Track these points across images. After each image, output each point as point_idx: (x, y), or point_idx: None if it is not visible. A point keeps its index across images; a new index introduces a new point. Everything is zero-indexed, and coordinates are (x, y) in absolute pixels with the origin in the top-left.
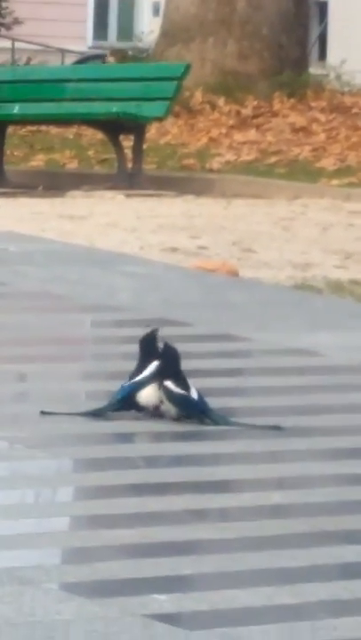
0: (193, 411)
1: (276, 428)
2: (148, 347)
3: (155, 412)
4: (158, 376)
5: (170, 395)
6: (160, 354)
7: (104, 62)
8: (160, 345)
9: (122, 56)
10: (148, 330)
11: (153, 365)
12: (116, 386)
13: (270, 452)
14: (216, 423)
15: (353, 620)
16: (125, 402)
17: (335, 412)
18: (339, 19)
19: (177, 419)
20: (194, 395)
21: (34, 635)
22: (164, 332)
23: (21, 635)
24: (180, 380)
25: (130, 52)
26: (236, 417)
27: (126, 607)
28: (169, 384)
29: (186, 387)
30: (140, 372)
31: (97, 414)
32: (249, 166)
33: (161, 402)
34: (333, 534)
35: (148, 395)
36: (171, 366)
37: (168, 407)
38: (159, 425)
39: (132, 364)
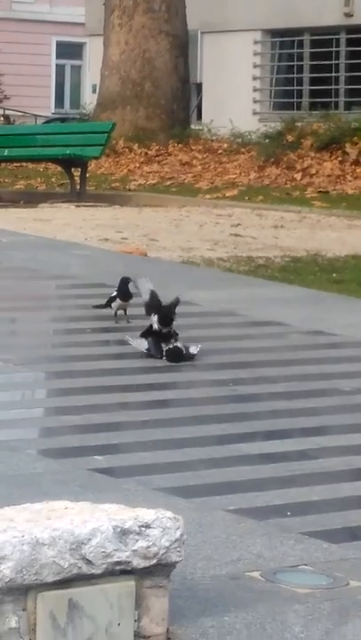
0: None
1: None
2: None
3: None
4: None
5: None
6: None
7: (62, 122)
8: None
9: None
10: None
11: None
12: (72, 325)
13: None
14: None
15: (224, 470)
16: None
17: (208, 340)
18: (209, 93)
19: None
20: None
21: (18, 482)
22: (101, 292)
23: (10, 482)
24: None
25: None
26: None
27: (77, 464)
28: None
29: None
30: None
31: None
32: (153, 187)
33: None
34: (211, 417)
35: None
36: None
37: None
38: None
39: (81, 312)
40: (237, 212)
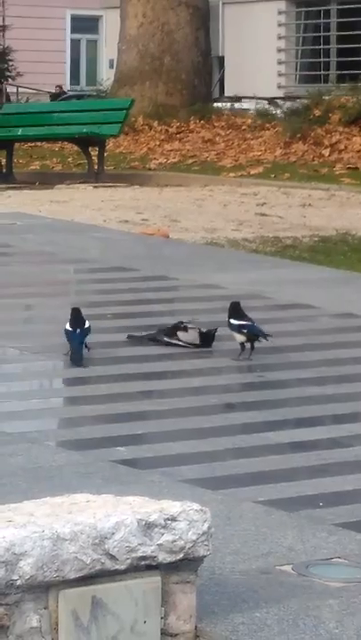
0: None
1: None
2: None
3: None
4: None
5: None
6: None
7: (78, 99)
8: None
9: None
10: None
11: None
12: (91, 311)
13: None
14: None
15: (251, 460)
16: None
17: None
18: (231, 67)
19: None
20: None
21: (38, 475)
22: (121, 276)
23: (30, 476)
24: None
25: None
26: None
27: (99, 456)
28: None
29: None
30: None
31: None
32: (174, 166)
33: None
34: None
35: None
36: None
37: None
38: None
39: (101, 297)
40: (263, 191)
